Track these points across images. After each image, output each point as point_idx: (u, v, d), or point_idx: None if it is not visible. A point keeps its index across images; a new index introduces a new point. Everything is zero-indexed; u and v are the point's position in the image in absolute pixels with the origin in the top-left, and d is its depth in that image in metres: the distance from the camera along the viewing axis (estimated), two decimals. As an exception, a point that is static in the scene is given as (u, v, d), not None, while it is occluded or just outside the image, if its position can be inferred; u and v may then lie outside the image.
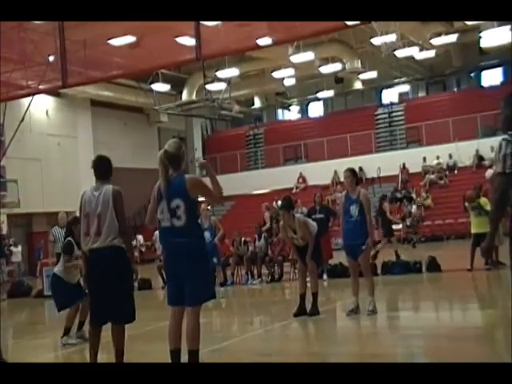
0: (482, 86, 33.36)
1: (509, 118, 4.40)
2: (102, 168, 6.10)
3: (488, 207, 13.19)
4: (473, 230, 13.33)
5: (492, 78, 33.08)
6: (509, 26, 23.22)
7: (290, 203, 9.27)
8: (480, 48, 26.51)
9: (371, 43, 25.15)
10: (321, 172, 30.77)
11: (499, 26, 23.01)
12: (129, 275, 5.95)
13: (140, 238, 27.89)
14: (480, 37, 24.56)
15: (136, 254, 20.63)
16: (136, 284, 15.45)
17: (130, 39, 10.52)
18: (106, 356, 6.10)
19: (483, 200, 13.33)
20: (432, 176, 29.14)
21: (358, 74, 30.82)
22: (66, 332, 8.45)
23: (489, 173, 19.07)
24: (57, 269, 8.58)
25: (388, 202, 17.22)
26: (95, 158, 6.29)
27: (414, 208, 26.95)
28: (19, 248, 24.22)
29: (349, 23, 8.83)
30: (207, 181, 5.49)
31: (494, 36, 23.86)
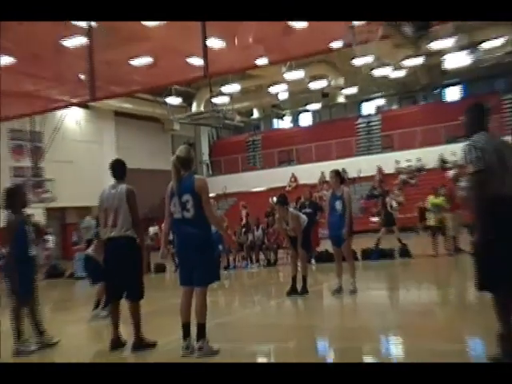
0: (445, 101, 33.37)
1: (468, 124, 4.45)
2: (118, 170, 6.14)
3: (445, 204, 13.41)
4: (431, 223, 13.63)
5: (453, 94, 33.16)
6: (466, 51, 23.35)
7: (284, 199, 9.28)
8: (443, 68, 26.50)
9: (352, 63, 25.10)
10: (310, 173, 30.67)
11: (458, 50, 23.13)
12: (139, 260, 6.01)
13: (151, 229, 27.50)
14: (443, 59, 24.56)
15: (149, 242, 20.61)
16: (153, 267, 15.54)
17: (147, 60, 10.49)
18: (126, 328, 6.10)
19: (441, 200, 13.51)
20: (404, 176, 29.16)
21: (341, 89, 30.77)
22: (97, 305, 8.45)
23: (451, 173, 19.13)
24: (89, 251, 8.62)
25: (399, 194, 17.56)
26: (112, 161, 6.30)
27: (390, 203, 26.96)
28: (53, 237, 24.23)
29: (333, 47, 8.80)
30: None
31: (454, 59, 23.92)
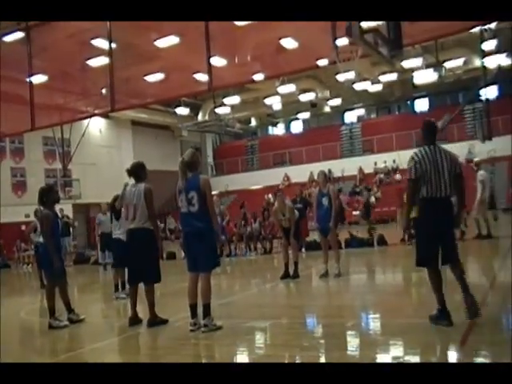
0: (415, 111, 33.40)
1: (421, 138, 4.92)
2: (136, 171, 6.14)
3: None
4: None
5: (421, 105, 33.19)
6: (432, 69, 23.44)
7: (282, 193, 9.44)
8: (413, 83, 26.55)
9: (337, 78, 25.06)
10: (300, 173, 30.72)
11: (426, 68, 23.24)
12: (156, 248, 6.02)
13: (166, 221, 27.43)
14: (413, 75, 24.64)
15: (160, 233, 20.60)
16: (165, 255, 15.50)
17: (160, 76, 10.48)
18: (142, 307, 6.10)
19: None
20: (381, 175, 29.16)
21: (327, 100, 30.75)
22: (116, 288, 8.46)
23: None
24: (119, 236, 8.55)
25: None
26: (134, 164, 6.28)
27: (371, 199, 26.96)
28: (75, 229, 24.25)
29: (320, 64, 8.77)
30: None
31: (422, 75, 24.03)
